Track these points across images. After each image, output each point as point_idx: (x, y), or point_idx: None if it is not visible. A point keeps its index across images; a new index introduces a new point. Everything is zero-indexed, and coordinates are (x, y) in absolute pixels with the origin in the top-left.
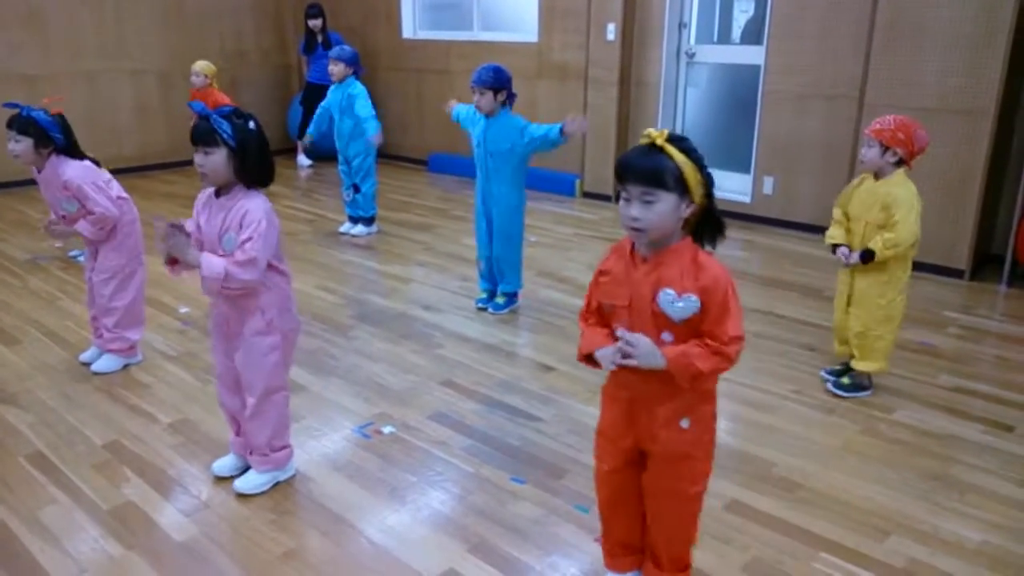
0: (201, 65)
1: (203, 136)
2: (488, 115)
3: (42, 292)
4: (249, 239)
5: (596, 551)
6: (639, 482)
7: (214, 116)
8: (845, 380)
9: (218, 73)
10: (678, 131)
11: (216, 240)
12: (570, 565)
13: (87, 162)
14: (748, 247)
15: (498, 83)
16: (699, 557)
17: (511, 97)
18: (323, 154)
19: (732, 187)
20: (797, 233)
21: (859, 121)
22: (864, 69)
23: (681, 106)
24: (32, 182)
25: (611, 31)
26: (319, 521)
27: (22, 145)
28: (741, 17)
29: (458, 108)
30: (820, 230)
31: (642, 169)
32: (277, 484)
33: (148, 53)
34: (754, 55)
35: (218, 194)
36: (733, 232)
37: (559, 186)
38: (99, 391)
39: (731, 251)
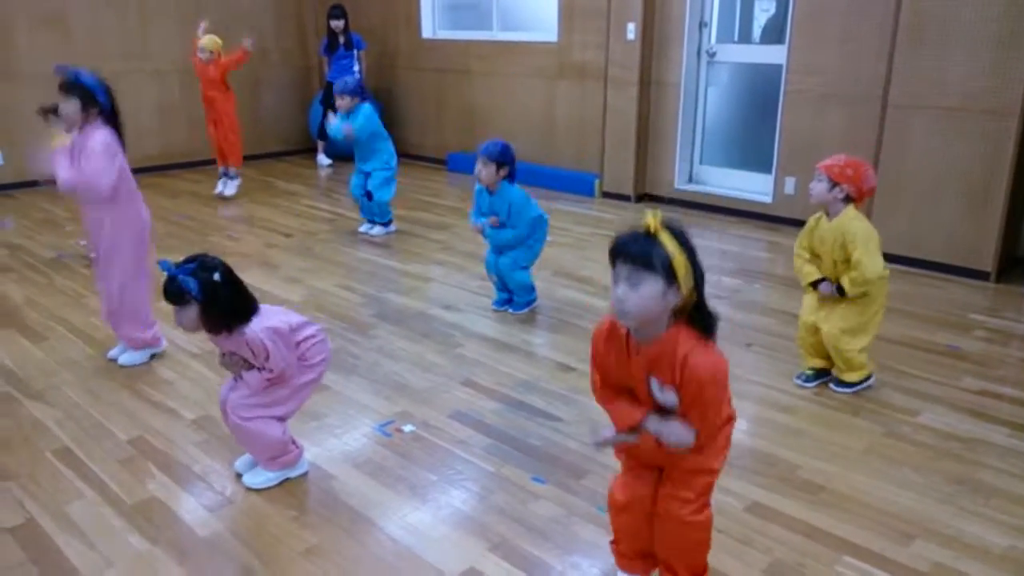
0: (207, 41)
1: (173, 297)
2: (489, 188)
3: (68, 289)
4: (266, 369)
5: None
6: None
7: (180, 276)
8: (846, 377)
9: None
10: (698, 131)
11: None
12: (591, 565)
13: (112, 132)
14: (771, 248)
15: (502, 158)
16: (719, 559)
17: (512, 174)
18: (343, 154)
19: (753, 187)
20: None
21: (882, 121)
22: (887, 68)
23: (702, 106)
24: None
25: (631, 30)
26: (341, 518)
27: (70, 105)
28: (762, 16)
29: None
30: None
31: (632, 252)
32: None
33: (170, 53)
34: (775, 54)
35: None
36: (755, 232)
37: (578, 186)
38: (123, 387)
39: (753, 251)
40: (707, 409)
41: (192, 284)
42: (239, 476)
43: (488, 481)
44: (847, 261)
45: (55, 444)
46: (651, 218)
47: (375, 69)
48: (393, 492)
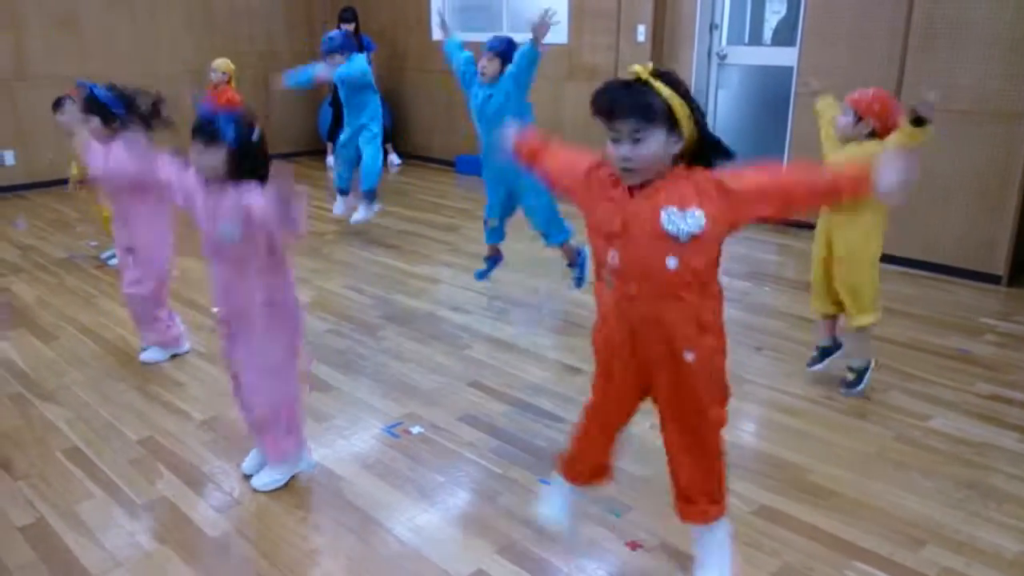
0: (220, 63)
1: (205, 136)
2: (490, 82)
3: (78, 290)
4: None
5: (626, 554)
6: (626, 414)
7: (221, 116)
8: (850, 376)
9: (236, 73)
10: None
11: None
12: (598, 568)
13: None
14: (780, 251)
15: (508, 52)
16: None
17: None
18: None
19: None
20: None
21: None
22: (899, 71)
23: (712, 108)
24: (66, 181)
25: (641, 32)
26: (349, 519)
27: (93, 122)
28: (773, 18)
29: (454, 44)
30: None
31: (630, 105)
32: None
33: (181, 54)
34: (786, 56)
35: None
36: (764, 235)
37: None
38: (134, 388)
39: (762, 254)
40: (766, 167)
41: (230, 129)
42: (247, 477)
43: (496, 483)
44: None
45: (65, 444)
46: (639, 66)
47: (384, 71)
48: (401, 493)
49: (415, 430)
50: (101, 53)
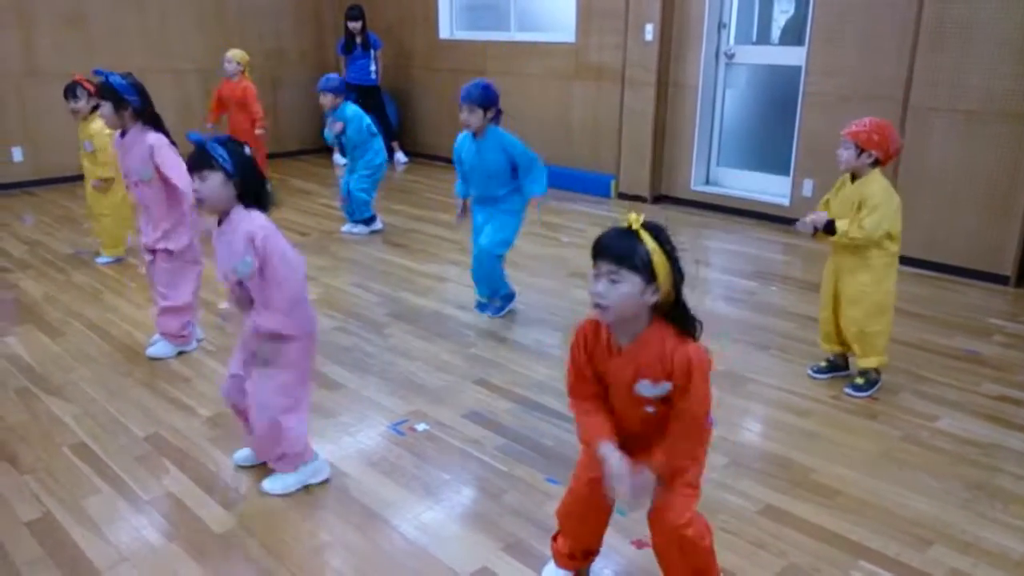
0: (236, 53)
1: (199, 162)
2: (476, 134)
3: (86, 286)
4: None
5: (632, 553)
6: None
7: (210, 144)
8: (859, 380)
9: (250, 64)
10: (716, 133)
11: (229, 268)
12: (604, 566)
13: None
14: (787, 250)
15: (487, 101)
16: (732, 562)
17: (499, 115)
18: None
19: (770, 189)
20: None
21: (902, 123)
22: (908, 70)
23: (719, 107)
24: (76, 178)
25: (649, 32)
26: (354, 516)
27: (105, 108)
28: (781, 18)
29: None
30: None
31: (613, 249)
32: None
33: (190, 52)
34: (795, 56)
35: (220, 222)
36: (772, 234)
37: (594, 187)
38: (140, 384)
39: (770, 254)
40: (700, 398)
41: (221, 152)
42: (241, 468)
43: (501, 481)
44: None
45: (72, 439)
46: (632, 216)
47: (392, 69)
48: (407, 491)
49: (421, 427)
50: (109, 50)
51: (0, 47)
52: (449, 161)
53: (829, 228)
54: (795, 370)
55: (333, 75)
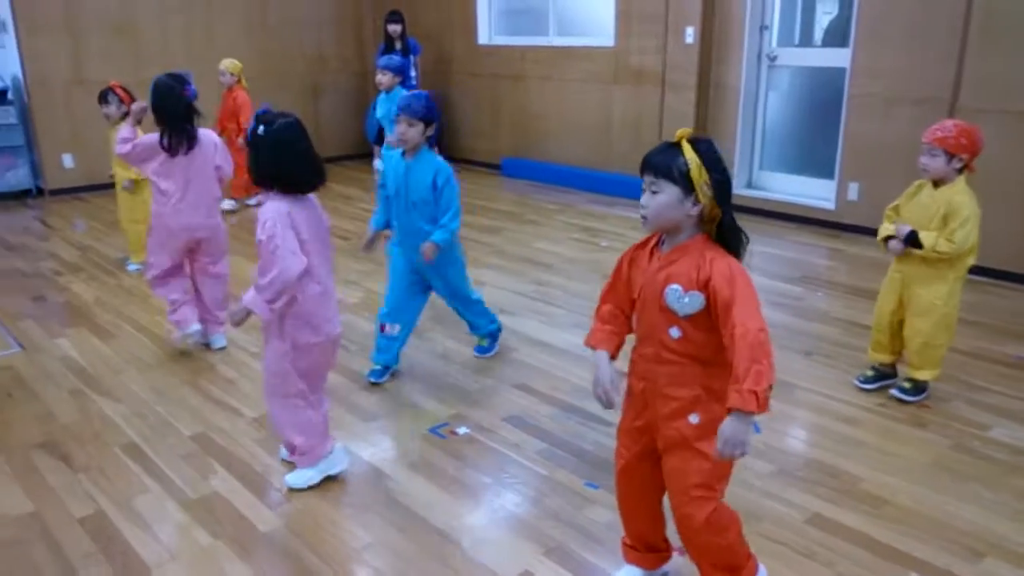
0: (227, 63)
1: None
2: (408, 153)
3: (134, 289)
4: (261, 259)
5: (673, 559)
6: (657, 480)
7: (258, 114)
8: (907, 384)
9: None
10: (758, 136)
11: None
12: (647, 574)
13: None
14: (833, 255)
15: (429, 114)
16: (779, 571)
17: (434, 136)
18: None
19: (815, 193)
20: None
21: None
22: (957, 71)
23: (762, 110)
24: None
25: (690, 34)
26: (397, 518)
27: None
28: (824, 19)
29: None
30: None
31: (654, 161)
32: (331, 477)
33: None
34: (839, 57)
35: None
36: (817, 239)
37: (633, 190)
38: (187, 385)
39: (815, 259)
40: (746, 302)
41: (252, 127)
42: (283, 461)
43: (542, 485)
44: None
45: (123, 439)
46: (680, 131)
47: (430, 75)
48: (448, 494)
49: (461, 431)
50: (157, 58)
51: (51, 56)
52: (488, 165)
53: (913, 240)
54: (841, 377)
55: (396, 55)
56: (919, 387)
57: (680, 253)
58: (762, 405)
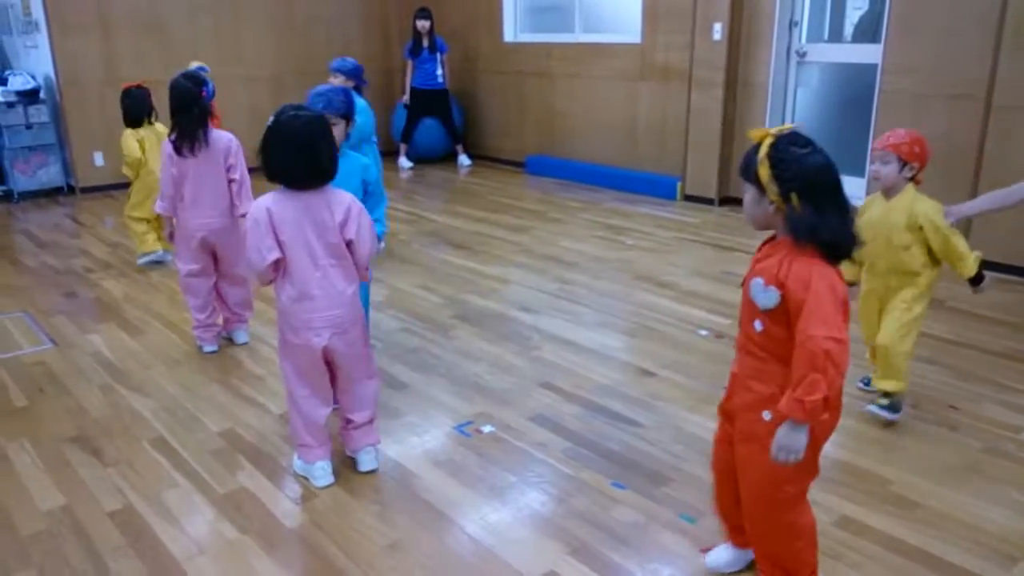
0: (197, 65)
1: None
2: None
3: (162, 286)
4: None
5: (701, 561)
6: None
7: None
8: (883, 401)
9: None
10: None
11: None
12: (672, 573)
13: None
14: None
15: (350, 109)
16: None
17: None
18: (423, 156)
19: (845, 191)
20: None
21: (985, 123)
22: (992, 68)
23: (791, 107)
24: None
25: (718, 30)
26: (422, 515)
27: None
28: (854, 14)
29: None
30: None
31: (742, 161)
32: (358, 472)
33: (261, 58)
34: (870, 53)
35: None
36: None
37: (659, 189)
38: (215, 381)
39: None
40: (818, 309)
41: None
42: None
43: (567, 485)
44: (906, 247)
45: (151, 434)
46: (762, 129)
47: (456, 72)
48: (473, 492)
49: (486, 429)
50: (187, 58)
51: (82, 56)
52: (512, 163)
53: (978, 280)
54: (870, 378)
55: (350, 59)
56: (894, 405)
57: (773, 250)
58: (810, 414)
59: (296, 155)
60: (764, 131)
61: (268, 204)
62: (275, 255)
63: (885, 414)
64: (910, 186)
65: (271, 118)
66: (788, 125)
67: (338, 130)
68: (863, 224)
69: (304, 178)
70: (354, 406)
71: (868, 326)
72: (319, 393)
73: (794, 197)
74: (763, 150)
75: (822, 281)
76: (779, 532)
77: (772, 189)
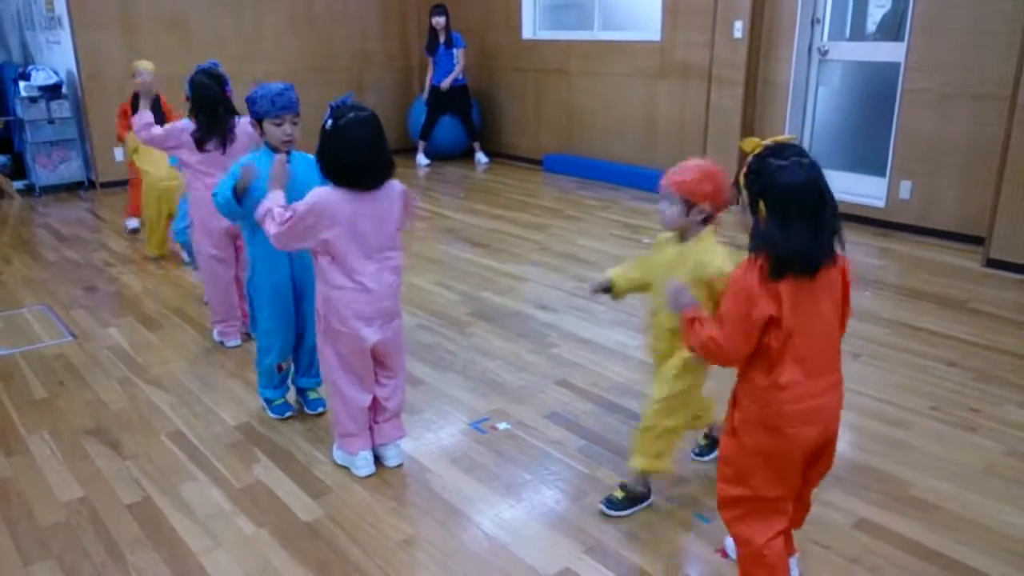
0: (149, 64)
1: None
2: (291, 147)
3: (181, 281)
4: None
5: (716, 560)
6: None
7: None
8: (618, 494)
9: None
10: (807, 132)
11: None
12: (688, 572)
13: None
14: (884, 255)
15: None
16: (825, 575)
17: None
18: (441, 154)
19: (865, 191)
20: (936, 240)
21: (1010, 123)
22: (1017, 67)
23: (811, 106)
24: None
25: (738, 28)
26: (437, 512)
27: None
28: (877, 12)
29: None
30: (962, 238)
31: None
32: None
33: (280, 55)
34: (893, 52)
35: None
36: (866, 238)
37: None
38: (232, 376)
39: (863, 257)
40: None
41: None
42: (336, 465)
43: (582, 483)
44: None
45: (169, 427)
46: (752, 139)
47: (474, 69)
48: (488, 489)
49: (502, 426)
50: (207, 54)
51: (104, 51)
52: (530, 161)
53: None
54: (890, 379)
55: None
56: (629, 497)
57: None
58: (685, 318)
59: (365, 157)
60: (755, 141)
61: (333, 198)
62: (289, 223)
63: (607, 510)
64: (708, 230)
65: (328, 120)
66: (788, 137)
67: (299, 130)
68: (657, 264)
69: (374, 178)
70: (391, 395)
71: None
72: (363, 380)
73: (761, 208)
74: (750, 159)
75: (731, 277)
76: (736, 534)
77: (743, 198)
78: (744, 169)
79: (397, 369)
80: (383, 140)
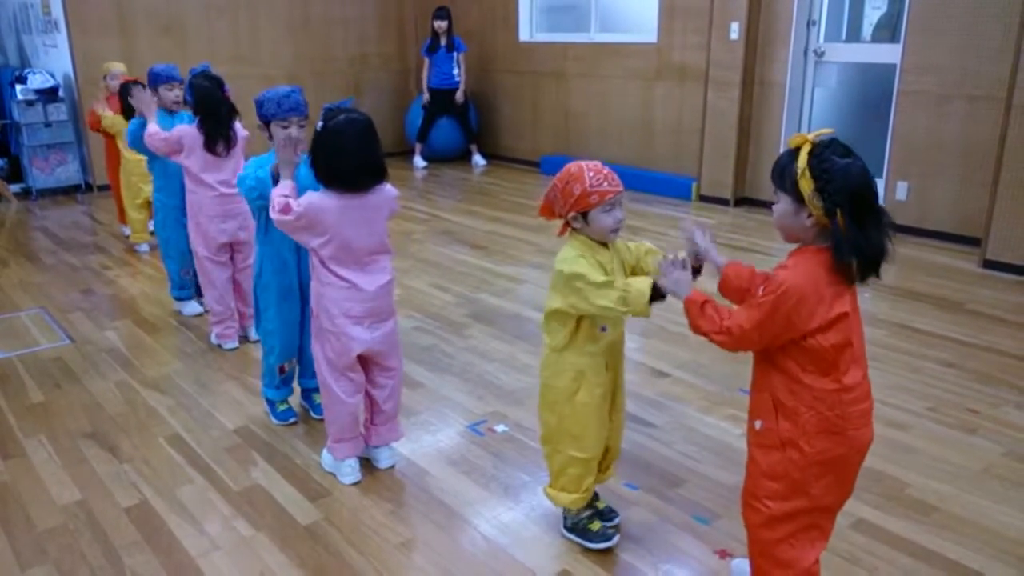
0: (119, 67)
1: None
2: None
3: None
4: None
5: (715, 563)
6: None
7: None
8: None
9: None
10: (804, 133)
11: None
12: (685, 574)
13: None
14: None
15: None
16: None
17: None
18: (438, 156)
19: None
20: (932, 242)
21: (1006, 124)
22: (1013, 68)
23: (808, 107)
24: None
25: (735, 30)
26: (435, 514)
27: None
28: (873, 14)
29: (260, 175)
30: (958, 239)
31: (774, 167)
32: (373, 470)
33: (278, 58)
34: (889, 53)
35: None
36: None
37: (674, 189)
38: (230, 378)
39: None
40: (750, 305)
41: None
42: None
43: None
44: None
45: (167, 431)
46: (797, 136)
47: (472, 72)
48: (486, 491)
49: (500, 429)
50: (204, 58)
51: (101, 55)
52: (527, 163)
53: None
54: (888, 380)
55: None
56: (572, 525)
57: (788, 260)
58: (689, 308)
59: (355, 160)
60: (803, 137)
61: (320, 206)
62: (290, 212)
63: (566, 533)
64: (569, 234)
65: (319, 123)
66: (827, 130)
67: (304, 134)
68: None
69: (367, 181)
70: (388, 396)
71: (600, 424)
72: (352, 380)
73: (839, 213)
74: (803, 160)
75: (776, 287)
76: (767, 549)
77: (815, 204)
78: (806, 171)
79: (394, 369)
80: (375, 143)
